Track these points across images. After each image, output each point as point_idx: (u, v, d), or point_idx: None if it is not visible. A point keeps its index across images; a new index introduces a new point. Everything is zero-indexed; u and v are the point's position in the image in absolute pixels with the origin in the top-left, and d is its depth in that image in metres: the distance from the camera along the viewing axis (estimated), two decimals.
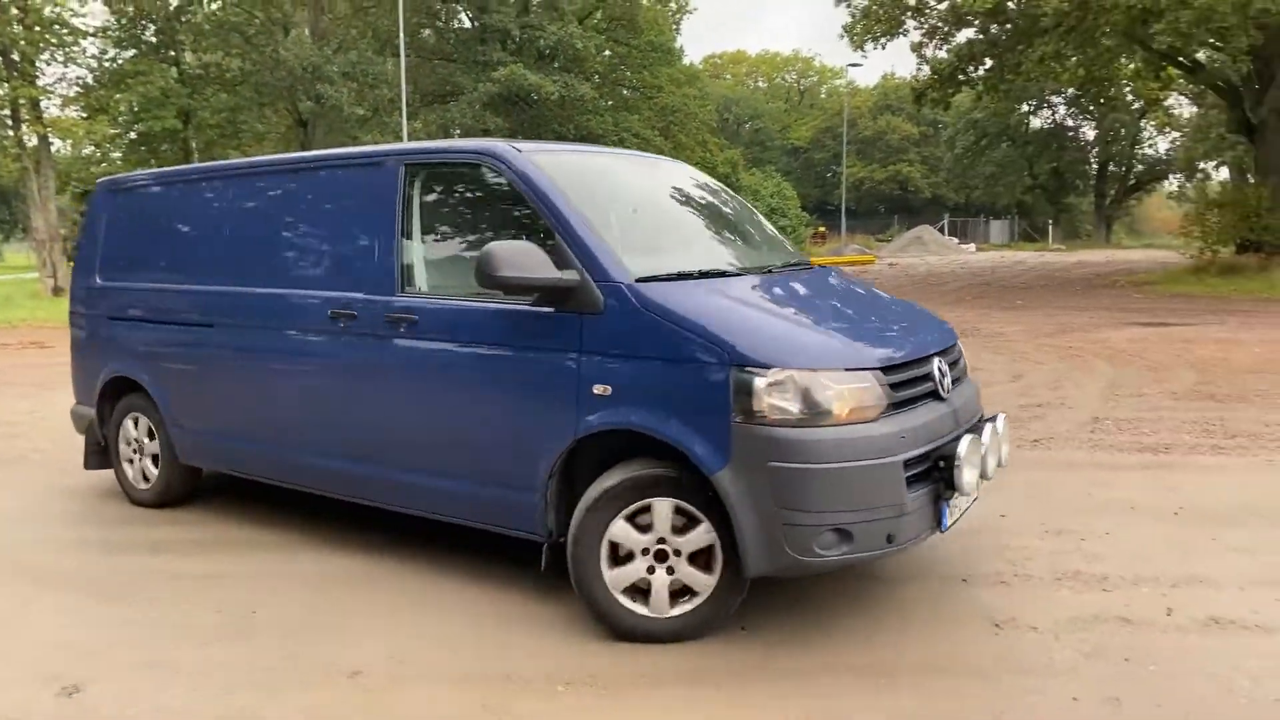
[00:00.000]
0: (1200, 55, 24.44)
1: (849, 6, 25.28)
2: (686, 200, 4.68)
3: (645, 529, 3.41)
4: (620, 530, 3.42)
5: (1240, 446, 6.27)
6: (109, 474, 5.61)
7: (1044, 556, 4.31)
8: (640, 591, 3.45)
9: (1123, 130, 50.66)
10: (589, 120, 32.78)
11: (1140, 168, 54.47)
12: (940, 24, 24.70)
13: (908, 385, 3.48)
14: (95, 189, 5.89)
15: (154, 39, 26.72)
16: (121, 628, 3.70)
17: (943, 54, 25.39)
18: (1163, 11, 17.57)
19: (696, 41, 71.26)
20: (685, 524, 3.40)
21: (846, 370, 3.30)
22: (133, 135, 27.23)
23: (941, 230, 49.77)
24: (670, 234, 4.38)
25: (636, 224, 4.19)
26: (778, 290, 4.05)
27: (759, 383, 3.19)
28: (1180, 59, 23.71)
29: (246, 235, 4.86)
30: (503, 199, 4.03)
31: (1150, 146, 53.48)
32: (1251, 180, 24.09)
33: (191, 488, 5.39)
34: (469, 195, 4.33)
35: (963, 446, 3.41)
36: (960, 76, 25.11)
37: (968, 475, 3.42)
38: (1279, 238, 21.06)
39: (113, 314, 5.47)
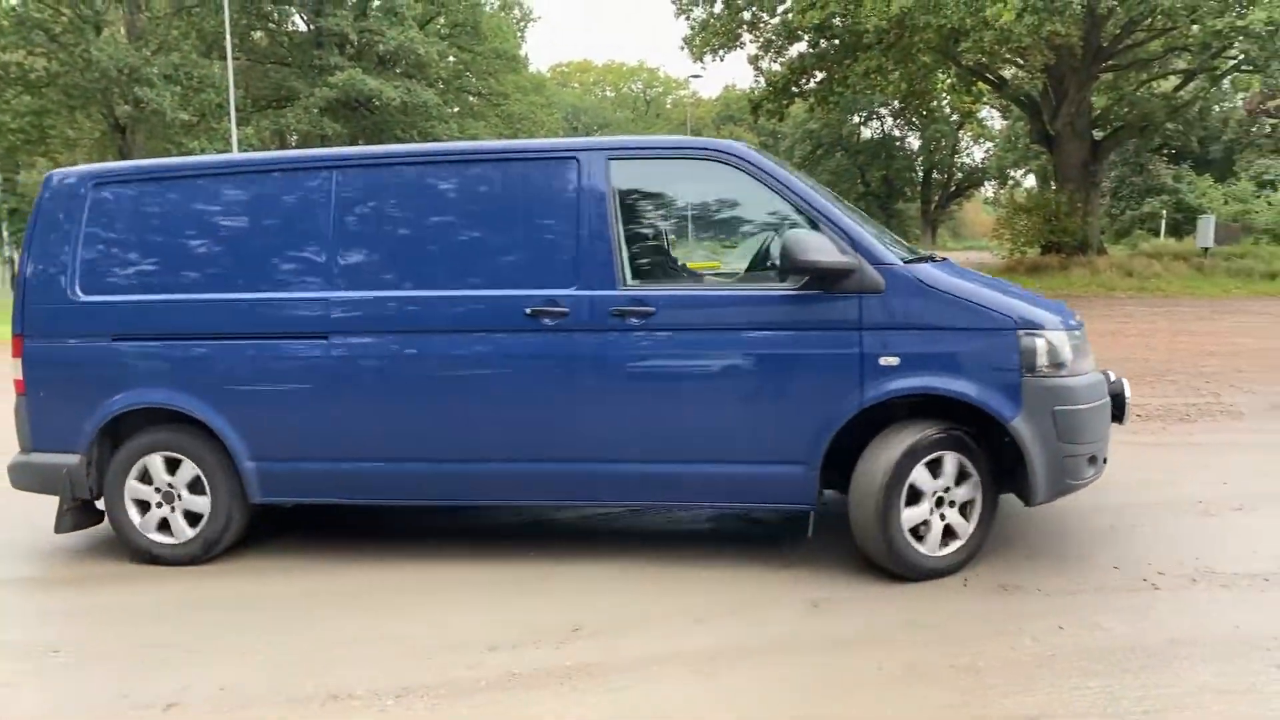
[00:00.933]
0: (1005, 72, 26.63)
1: (688, 19, 26.02)
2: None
3: (936, 478, 4.01)
4: (920, 476, 3.97)
5: None
6: None
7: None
8: (915, 534, 4.02)
9: (943, 140, 54.31)
10: (433, 127, 32.16)
11: (960, 175, 58.54)
12: (774, 38, 25.80)
13: None
14: (55, 184, 4.62)
15: None
16: None
17: (777, 67, 26.52)
18: (969, 31, 19.02)
19: (542, 50, 71.26)
20: (959, 477, 4.03)
21: (1067, 330, 4.04)
22: None
23: None
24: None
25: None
26: (961, 271, 4.48)
27: (1038, 343, 3.91)
28: (988, 75, 25.75)
29: (385, 234, 4.34)
30: (736, 192, 4.39)
31: (968, 155, 57.54)
32: (1053, 187, 26.43)
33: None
34: (692, 188, 4.53)
35: (1126, 387, 4.32)
36: (794, 89, 26.27)
37: (1127, 410, 4.32)
38: (1076, 239, 23.17)
39: (122, 334, 4.44)
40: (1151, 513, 4.90)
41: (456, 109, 35.96)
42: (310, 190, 4.39)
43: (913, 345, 3.95)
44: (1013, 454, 4.00)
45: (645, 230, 4.40)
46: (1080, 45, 21.87)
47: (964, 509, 4.07)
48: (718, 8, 25.20)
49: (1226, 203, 33.07)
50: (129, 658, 3.51)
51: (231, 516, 4.45)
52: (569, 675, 3.27)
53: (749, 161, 4.16)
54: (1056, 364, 3.94)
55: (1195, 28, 18.68)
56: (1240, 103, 35.71)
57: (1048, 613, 3.68)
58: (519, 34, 41.67)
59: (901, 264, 4.02)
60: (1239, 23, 17.74)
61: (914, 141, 56.62)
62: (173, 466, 4.46)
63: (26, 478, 4.61)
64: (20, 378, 4.54)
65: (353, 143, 32.21)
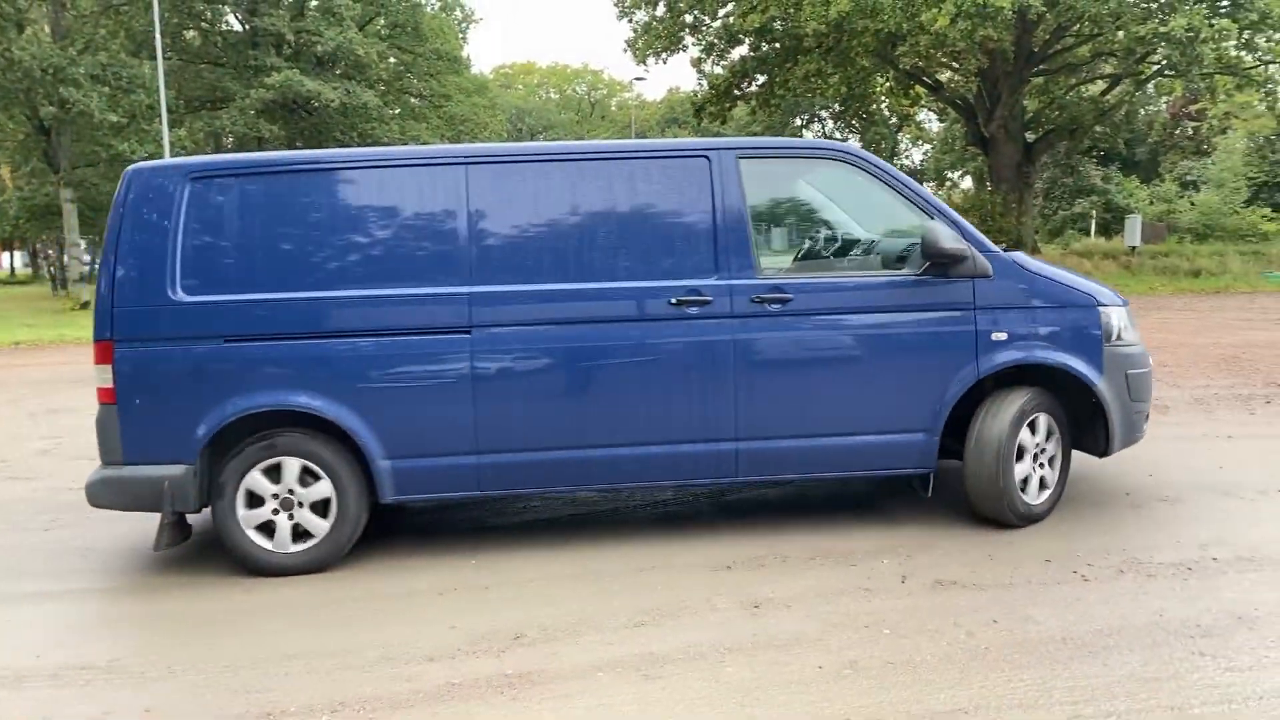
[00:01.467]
0: (941, 76, 27.20)
1: (631, 22, 26.07)
2: None
3: (1034, 436, 4.69)
4: (1024, 436, 4.65)
5: None
6: None
7: (800, 537, 4.66)
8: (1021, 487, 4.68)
9: (883, 143, 55.12)
10: (374, 128, 31.66)
11: None
12: (716, 41, 25.98)
13: None
14: (141, 180, 4.32)
15: None
16: None
17: (719, 70, 26.72)
18: (905, 36, 19.39)
19: (485, 51, 70.75)
20: (1048, 434, 4.74)
21: (1125, 306, 4.90)
22: None
23: None
24: None
25: None
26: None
27: (1112, 317, 4.74)
28: (925, 79, 26.27)
29: (523, 229, 4.45)
30: (856, 190, 4.83)
31: (907, 157, 58.60)
32: (988, 188, 27.06)
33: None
34: (814, 185, 4.99)
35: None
36: (736, 92, 26.51)
37: None
38: (1011, 239, 23.75)
39: (237, 335, 4.26)
40: (1081, 506, 5.03)
41: (398, 111, 35.45)
42: (442, 186, 4.42)
43: (1017, 322, 4.64)
44: (1088, 413, 4.81)
45: (774, 223, 4.89)
46: (1012, 50, 22.45)
47: (1050, 462, 4.78)
48: (660, 10, 25.31)
49: (1152, 203, 34.27)
50: (51, 679, 3.38)
51: (359, 519, 4.40)
52: (510, 684, 3.24)
53: (868, 161, 4.69)
54: (1122, 335, 4.80)
55: (1120, 34, 19.32)
56: (1164, 106, 37.01)
57: (982, 607, 3.75)
58: (461, 35, 41.23)
59: (1002, 251, 4.69)
60: (1161, 29, 18.38)
61: (855, 144, 57.59)
62: (292, 472, 4.32)
63: (113, 494, 4.28)
64: (109, 386, 4.24)
65: (290, 145, 31.58)
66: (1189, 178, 37.07)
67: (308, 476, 4.33)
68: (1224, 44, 19.22)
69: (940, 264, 4.50)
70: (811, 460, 4.62)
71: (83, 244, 30.02)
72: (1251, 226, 31.26)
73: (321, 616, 3.90)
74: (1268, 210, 32.87)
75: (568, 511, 5.34)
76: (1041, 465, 4.74)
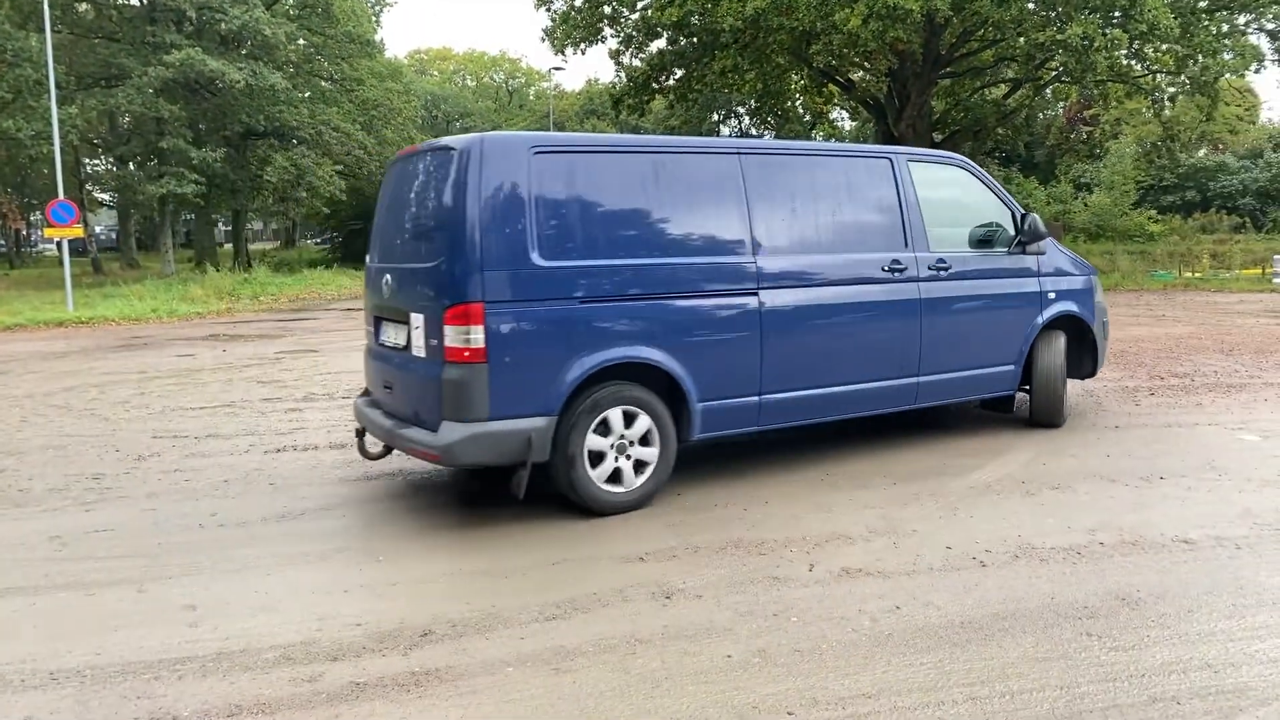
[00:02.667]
0: (854, 75, 27.81)
1: (549, 11, 25.82)
2: None
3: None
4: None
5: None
6: None
7: (712, 528, 4.71)
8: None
9: (797, 139, 56.29)
10: (282, 111, 30.61)
11: None
12: (634, 34, 25.95)
13: None
14: (490, 150, 4.61)
15: None
16: None
17: (638, 63, 26.71)
18: (819, 35, 19.75)
19: (400, 36, 69.11)
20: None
21: (1097, 274, 7.26)
22: None
23: None
24: None
25: None
26: None
27: (1095, 280, 7.14)
28: (838, 78, 26.81)
29: (781, 209, 5.52)
30: (968, 189, 6.59)
31: None
32: None
33: None
34: (947, 183, 6.50)
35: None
36: (654, 85, 26.54)
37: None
38: None
39: (590, 296, 4.77)
40: (981, 494, 5.22)
41: (307, 94, 34.34)
42: (724, 172, 5.33)
43: (1058, 286, 6.74)
44: (1082, 347, 6.99)
45: (929, 211, 6.17)
46: (921, 52, 23.11)
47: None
48: (579, 1, 25.13)
49: (1049, 203, 35.74)
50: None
51: (670, 463, 5.08)
52: (418, 682, 3.17)
53: (973, 167, 6.63)
54: (1097, 293, 7.03)
55: (1021, 40, 20.10)
56: (1060, 111, 38.67)
57: (886, 594, 3.85)
58: (374, 19, 40.19)
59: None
60: (1059, 36, 19.18)
61: (770, 139, 58.46)
62: (619, 419, 4.89)
63: (480, 449, 4.55)
64: (480, 345, 4.47)
65: (192, 127, 30.27)
66: (1083, 180, 38.87)
67: (632, 422, 4.95)
68: (1116, 53, 20.16)
69: (1026, 242, 6.49)
70: (955, 389, 6.33)
71: None
72: (1139, 227, 33.00)
73: (214, 616, 3.75)
74: (1153, 212, 34.73)
75: (479, 506, 5.27)
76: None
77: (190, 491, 5.67)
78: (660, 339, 4.94)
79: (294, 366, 11.14)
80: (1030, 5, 20.22)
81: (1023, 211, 6.61)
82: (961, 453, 6.20)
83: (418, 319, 4.78)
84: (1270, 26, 22.82)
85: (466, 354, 4.48)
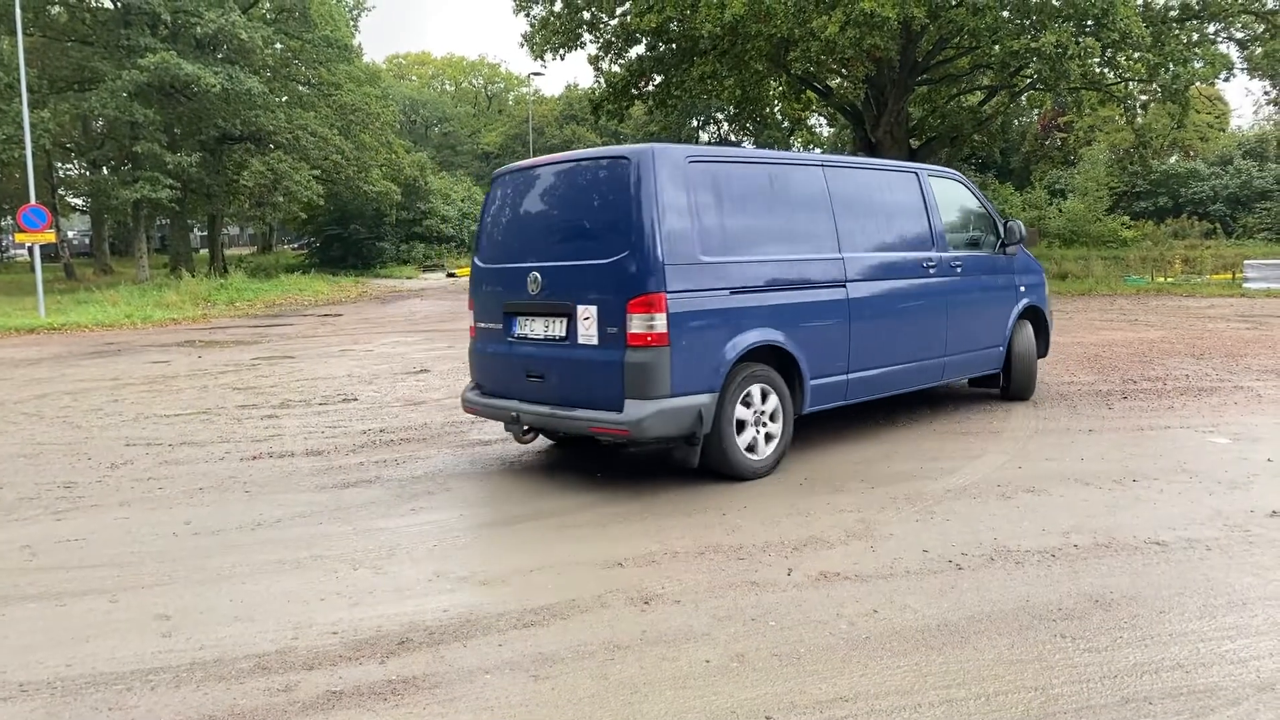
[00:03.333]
0: (832, 82, 27.99)
1: (528, 16, 25.81)
2: None
3: None
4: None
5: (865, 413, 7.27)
6: None
7: (691, 532, 4.71)
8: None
9: (776, 145, 56.51)
10: (258, 116, 30.38)
11: None
12: (613, 39, 25.99)
13: None
14: (669, 158, 5.35)
15: None
16: None
17: (617, 68, 26.74)
18: (797, 41, 19.86)
19: (378, 41, 68.87)
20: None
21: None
22: None
23: None
24: None
25: None
26: None
27: (1044, 276, 8.50)
28: (815, 84, 26.98)
29: (856, 215, 6.52)
30: (962, 200, 7.74)
31: None
32: None
33: None
34: (949, 193, 7.52)
35: None
36: (633, 91, 26.59)
37: None
38: None
39: (738, 288, 5.57)
40: (957, 498, 5.26)
41: (284, 98, 34.11)
42: (814, 181, 6.29)
43: (1025, 281, 8.02)
44: (1036, 330, 8.20)
45: (942, 217, 7.30)
46: (898, 59, 23.29)
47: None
48: (558, 6, 25.14)
49: (1024, 209, 36.14)
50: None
51: (790, 435, 5.94)
52: (395, 690, 3.15)
53: (967, 181, 7.76)
54: (1046, 289, 8.44)
55: (996, 48, 20.29)
56: (1035, 118, 39.12)
57: (863, 597, 3.87)
58: (351, 23, 40.04)
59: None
60: (1033, 45, 19.41)
61: (749, 146, 58.69)
62: (757, 394, 5.68)
63: (664, 423, 5.18)
64: (663, 331, 5.15)
65: (168, 130, 30.00)
66: (1057, 186, 39.31)
67: (765, 398, 5.73)
68: (1089, 61, 20.43)
69: (1007, 244, 7.74)
70: (968, 366, 7.53)
71: None
72: (1112, 233, 33.41)
73: (188, 624, 3.71)
74: (1126, 218, 35.19)
75: (456, 512, 5.25)
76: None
77: (164, 500, 5.61)
78: (783, 325, 5.77)
79: (270, 373, 11.04)
80: (1005, 14, 20.44)
81: (1005, 219, 7.84)
82: (938, 456, 6.24)
83: (587, 310, 5.38)
84: (1239, 35, 23.24)
85: (650, 339, 5.14)
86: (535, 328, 5.77)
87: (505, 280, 6.02)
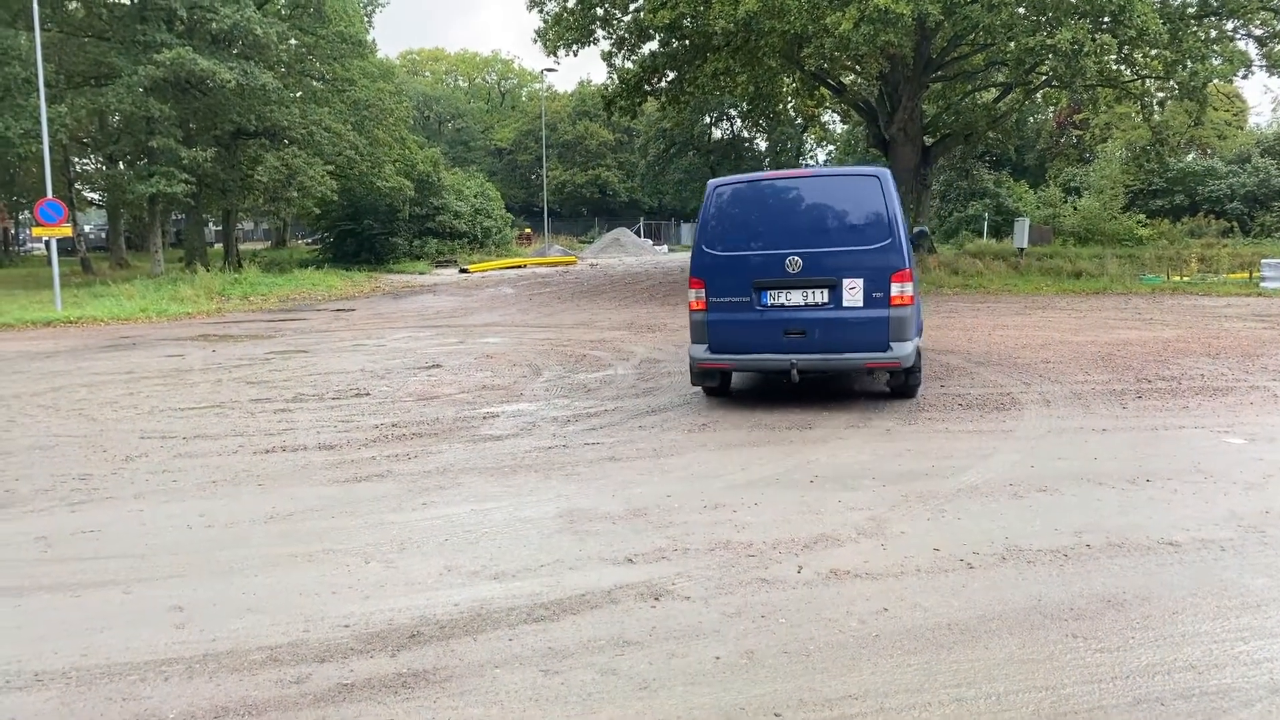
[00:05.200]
0: (845, 79, 27.89)
1: (542, 12, 25.82)
2: None
3: None
4: None
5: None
6: None
7: (701, 529, 4.71)
8: None
9: (789, 142, 56.42)
10: (273, 111, 30.48)
11: None
12: (626, 35, 25.98)
13: None
14: (890, 175, 7.62)
15: None
16: None
17: (630, 65, 26.73)
18: (811, 38, 19.79)
19: (392, 36, 68.98)
20: None
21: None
22: None
23: (638, 233, 52.46)
24: None
25: None
26: None
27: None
28: (829, 81, 26.88)
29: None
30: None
31: (811, 157, 59.99)
32: None
33: None
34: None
35: None
36: (646, 87, 26.56)
37: None
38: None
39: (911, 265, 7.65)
40: (969, 496, 5.24)
41: (299, 94, 34.21)
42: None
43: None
44: None
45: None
46: (912, 56, 23.19)
47: None
48: (571, 2, 25.14)
49: (1039, 207, 35.93)
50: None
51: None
52: (405, 684, 3.17)
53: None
54: None
55: (1012, 44, 20.17)
56: (1050, 115, 38.86)
57: (874, 595, 3.86)
58: (366, 19, 40.07)
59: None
60: (1049, 41, 19.27)
61: (762, 143, 58.54)
62: None
63: (912, 356, 7.64)
64: (911, 295, 7.50)
65: (183, 125, 30.15)
66: (1072, 184, 39.05)
67: None
68: (1105, 58, 20.28)
69: (917, 242, 8.61)
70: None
71: None
72: (1128, 231, 33.15)
73: (201, 617, 3.74)
74: (1142, 216, 34.92)
75: (468, 506, 5.26)
76: None
77: (178, 492, 5.65)
78: None
79: (283, 367, 11.10)
80: (1020, 10, 20.31)
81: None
82: (950, 455, 6.22)
83: (853, 282, 7.34)
84: (1258, 32, 22.98)
85: (906, 299, 7.34)
86: (793, 297, 7.51)
87: (754, 263, 7.60)
